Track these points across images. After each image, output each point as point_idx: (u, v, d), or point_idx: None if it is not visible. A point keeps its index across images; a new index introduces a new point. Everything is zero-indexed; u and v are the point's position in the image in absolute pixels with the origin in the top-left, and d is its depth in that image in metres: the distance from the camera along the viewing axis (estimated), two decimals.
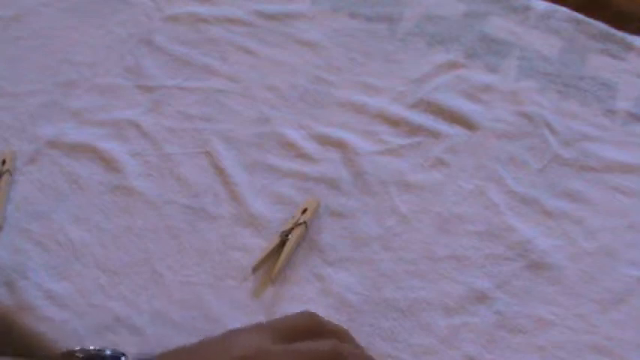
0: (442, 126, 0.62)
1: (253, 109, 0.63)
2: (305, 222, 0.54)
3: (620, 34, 0.68)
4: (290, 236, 0.53)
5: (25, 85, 0.65)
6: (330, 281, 0.52)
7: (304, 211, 0.55)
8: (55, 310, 0.51)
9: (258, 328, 0.43)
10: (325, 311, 0.51)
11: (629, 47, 0.67)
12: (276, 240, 0.53)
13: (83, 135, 0.61)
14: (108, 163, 0.59)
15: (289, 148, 0.60)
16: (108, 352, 0.44)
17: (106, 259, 0.54)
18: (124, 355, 0.44)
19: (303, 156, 0.60)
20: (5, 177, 0.58)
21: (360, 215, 0.56)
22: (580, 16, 0.70)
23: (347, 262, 0.53)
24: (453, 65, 0.66)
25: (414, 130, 0.61)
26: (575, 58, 0.67)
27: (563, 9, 0.71)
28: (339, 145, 0.60)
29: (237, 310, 0.51)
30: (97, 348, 0.44)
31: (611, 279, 0.53)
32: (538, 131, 0.61)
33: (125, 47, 0.68)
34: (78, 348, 0.44)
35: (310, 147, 0.60)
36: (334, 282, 0.52)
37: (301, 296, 0.52)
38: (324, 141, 0.61)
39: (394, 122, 0.62)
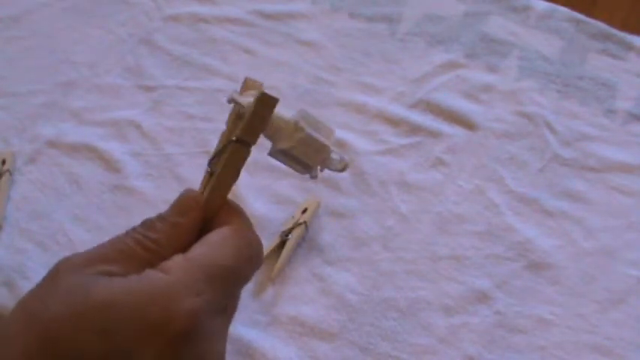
0: (442, 126, 0.62)
1: None
2: (305, 222, 0.54)
3: (620, 34, 0.68)
4: (290, 236, 0.53)
5: (25, 85, 0.65)
6: (330, 281, 0.52)
7: (304, 211, 0.55)
8: None
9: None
10: (325, 311, 0.51)
11: (629, 47, 0.67)
12: (276, 240, 0.53)
13: (83, 135, 0.61)
14: (108, 163, 0.59)
15: None
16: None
17: None
18: None
19: None
20: (5, 177, 0.58)
21: (360, 215, 0.56)
22: (580, 16, 0.70)
23: (347, 262, 0.53)
24: (452, 65, 0.66)
25: (414, 130, 0.61)
26: (575, 58, 0.67)
27: (563, 9, 0.71)
28: (339, 145, 0.60)
29: (237, 310, 0.51)
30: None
31: (611, 279, 0.53)
32: (538, 131, 0.61)
33: (125, 47, 0.68)
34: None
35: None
36: (334, 282, 0.52)
37: (301, 296, 0.52)
38: None
39: (394, 122, 0.62)
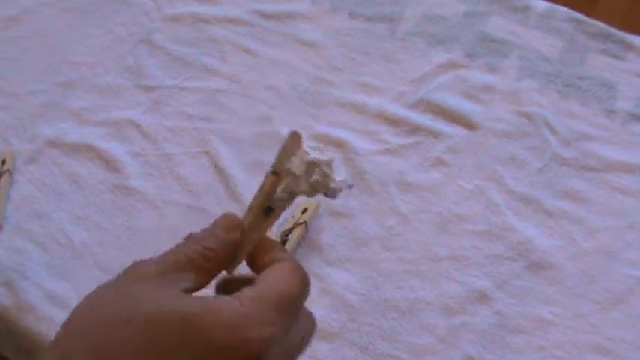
0: (442, 126, 0.62)
1: (253, 109, 0.63)
2: (305, 222, 0.54)
3: (620, 33, 0.68)
4: (290, 236, 0.53)
5: (25, 85, 0.65)
6: (330, 281, 0.52)
7: (304, 211, 0.55)
8: (55, 310, 0.51)
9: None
10: (325, 311, 0.51)
11: (629, 47, 0.67)
12: (276, 239, 0.53)
13: (83, 135, 0.61)
14: (108, 163, 0.59)
15: None
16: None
17: (106, 259, 0.54)
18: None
19: None
20: (5, 177, 0.58)
21: (360, 215, 0.56)
22: (580, 16, 0.70)
23: (347, 262, 0.53)
24: (453, 65, 0.66)
25: (414, 130, 0.61)
26: (575, 58, 0.67)
27: (563, 9, 0.71)
28: (339, 145, 0.60)
29: None
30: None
31: (611, 279, 0.53)
32: (538, 131, 0.61)
33: (125, 47, 0.68)
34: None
35: (310, 147, 0.60)
36: (334, 282, 0.52)
37: None
38: (324, 141, 0.61)
39: (394, 122, 0.62)
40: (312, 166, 0.37)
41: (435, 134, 0.61)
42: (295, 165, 0.37)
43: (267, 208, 0.37)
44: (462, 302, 0.51)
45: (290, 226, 0.54)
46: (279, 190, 0.37)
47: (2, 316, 0.52)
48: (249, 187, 0.58)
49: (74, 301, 0.51)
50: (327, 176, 0.37)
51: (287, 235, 0.53)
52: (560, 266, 0.53)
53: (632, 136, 0.61)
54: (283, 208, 0.37)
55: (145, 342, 0.27)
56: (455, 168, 0.59)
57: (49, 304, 0.51)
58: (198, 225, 0.59)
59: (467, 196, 0.57)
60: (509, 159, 0.59)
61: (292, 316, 0.32)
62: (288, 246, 0.53)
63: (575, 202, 0.57)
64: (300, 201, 0.57)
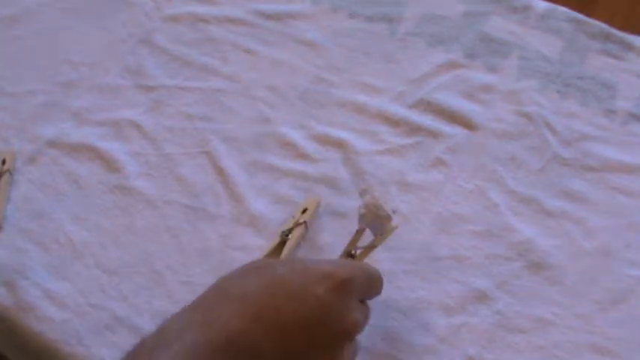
0: (442, 126, 0.62)
1: (253, 109, 0.63)
2: (305, 222, 0.54)
3: (620, 34, 0.68)
4: (290, 236, 0.53)
5: (25, 85, 0.65)
6: None
7: (304, 210, 0.55)
8: (55, 310, 0.51)
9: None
10: None
11: (629, 47, 0.67)
12: (276, 240, 0.53)
13: (83, 135, 0.61)
14: (108, 163, 0.59)
15: (289, 148, 0.60)
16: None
17: (106, 259, 0.54)
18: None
19: (303, 156, 0.60)
20: (5, 177, 0.58)
21: None
22: (580, 16, 0.70)
23: None
24: (452, 65, 0.66)
25: (414, 130, 0.61)
26: (575, 58, 0.67)
27: (563, 9, 0.71)
28: (339, 145, 0.60)
29: None
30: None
31: (611, 279, 0.53)
32: (538, 131, 0.61)
33: (125, 47, 0.68)
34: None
35: (310, 147, 0.60)
36: None
37: None
38: (324, 141, 0.61)
39: (394, 122, 0.62)
40: (380, 215, 0.48)
41: (435, 134, 0.61)
42: (368, 222, 0.48)
43: (349, 254, 0.49)
44: (462, 302, 0.51)
45: (290, 226, 0.54)
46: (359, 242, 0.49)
47: (2, 316, 0.52)
48: (249, 187, 0.58)
49: (74, 301, 0.51)
50: (389, 217, 0.48)
51: (287, 235, 0.53)
52: (560, 266, 0.53)
53: (632, 136, 0.61)
54: (364, 255, 0.48)
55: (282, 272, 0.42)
56: (455, 168, 0.59)
57: (49, 304, 0.51)
58: (198, 225, 0.60)
59: (467, 196, 0.57)
60: (509, 159, 0.59)
61: (364, 285, 0.44)
62: (288, 246, 0.53)
63: (575, 202, 0.57)
64: (300, 201, 0.57)
